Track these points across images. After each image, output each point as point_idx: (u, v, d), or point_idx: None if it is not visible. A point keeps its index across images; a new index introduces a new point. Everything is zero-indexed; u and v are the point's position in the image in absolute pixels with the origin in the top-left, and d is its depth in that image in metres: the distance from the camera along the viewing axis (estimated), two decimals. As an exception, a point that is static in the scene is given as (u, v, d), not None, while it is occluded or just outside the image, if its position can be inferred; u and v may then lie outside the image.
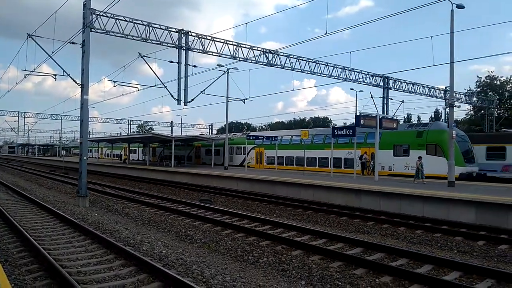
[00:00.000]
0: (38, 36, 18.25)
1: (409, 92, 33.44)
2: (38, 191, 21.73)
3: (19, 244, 9.20)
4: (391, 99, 32.90)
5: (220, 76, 29.84)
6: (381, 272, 7.50)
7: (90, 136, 66.95)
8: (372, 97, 32.99)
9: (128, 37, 19.53)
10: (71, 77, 18.20)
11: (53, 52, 18.60)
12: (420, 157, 21.28)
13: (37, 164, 59.41)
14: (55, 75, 20.69)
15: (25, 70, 21.03)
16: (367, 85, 30.88)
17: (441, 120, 62.21)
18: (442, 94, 35.92)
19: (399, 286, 6.96)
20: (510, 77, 51.25)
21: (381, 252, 8.97)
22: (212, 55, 22.67)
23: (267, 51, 24.47)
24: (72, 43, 17.82)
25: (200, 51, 22.10)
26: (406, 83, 33.01)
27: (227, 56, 23.18)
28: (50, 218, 12.94)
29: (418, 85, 33.67)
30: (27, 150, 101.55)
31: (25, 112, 59.38)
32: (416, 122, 61.43)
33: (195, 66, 22.39)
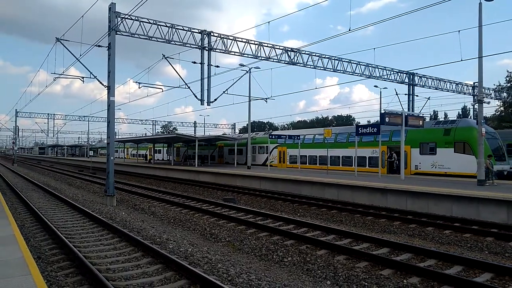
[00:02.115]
0: (66, 40, 18.77)
1: (436, 89, 32.56)
2: (67, 190, 22.41)
3: (51, 241, 9.53)
4: (417, 96, 32.14)
5: (242, 76, 29.93)
6: (409, 273, 7.36)
7: (117, 137, 68.49)
8: (397, 94, 32.37)
9: (152, 39, 19.85)
10: (98, 79, 18.67)
11: (80, 55, 19.12)
12: (490, 156, 19.70)
13: (66, 164, 61.28)
14: (83, 77, 21.17)
15: (54, 73, 21.67)
16: (392, 82, 30.26)
17: (469, 117, 60.40)
18: (470, 90, 34.81)
19: (427, 287, 6.81)
20: (543, 72, 49.20)
21: (408, 253, 8.80)
22: (234, 55, 22.77)
23: (289, 49, 24.37)
24: (99, 46, 18.25)
25: (223, 51, 22.22)
26: (432, 79, 32.17)
27: (249, 56, 23.21)
28: (79, 217, 13.33)
29: (445, 81, 32.74)
30: (57, 151, 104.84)
31: (54, 114, 61.37)
32: (443, 119, 59.87)
33: (217, 66, 22.55)
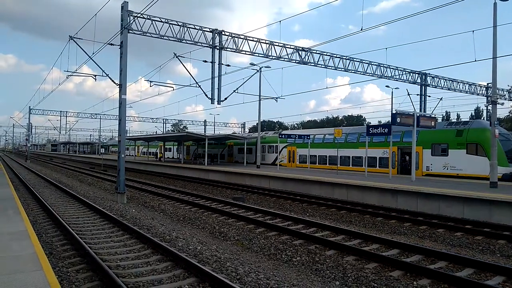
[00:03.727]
0: (79, 38, 18.97)
1: (448, 89, 32.14)
2: (79, 187, 22.68)
3: (62, 237, 9.66)
4: (429, 96, 31.77)
5: (253, 75, 29.95)
6: (419, 274, 7.29)
7: (128, 135, 69.10)
8: (408, 94, 32.02)
9: (164, 37, 19.95)
10: (110, 78, 18.83)
11: (93, 54, 19.31)
12: None
13: (77, 161, 62.02)
14: (95, 75, 21.39)
15: (67, 71, 21.93)
16: (404, 82, 29.96)
17: (482, 118, 59.55)
18: (483, 91, 34.28)
19: (438, 289, 6.74)
20: (559, 72, 48.20)
21: (418, 254, 8.71)
22: (245, 54, 22.77)
23: (300, 49, 24.29)
24: (111, 44, 18.40)
25: (233, 50, 22.25)
26: (445, 79, 31.75)
27: (260, 55, 23.20)
28: (90, 213, 13.48)
29: (458, 82, 32.30)
30: (69, 148, 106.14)
31: (66, 112, 62.06)
32: (455, 120, 59.15)
33: (228, 65, 22.56)
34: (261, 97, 33.25)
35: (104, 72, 19.25)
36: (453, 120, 54.50)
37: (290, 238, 10.22)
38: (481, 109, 65.41)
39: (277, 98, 33.04)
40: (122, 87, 17.27)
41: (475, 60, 19.43)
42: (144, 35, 19.24)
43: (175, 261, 7.65)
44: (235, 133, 65.54)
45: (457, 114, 71.76)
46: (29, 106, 56.26)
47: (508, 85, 50.48)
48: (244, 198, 18.38)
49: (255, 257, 8.68)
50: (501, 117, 47.64)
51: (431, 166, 24.91)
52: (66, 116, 61.89)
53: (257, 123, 36.12)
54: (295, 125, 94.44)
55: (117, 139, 19.51)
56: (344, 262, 8.08)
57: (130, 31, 18.01)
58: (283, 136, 35.07)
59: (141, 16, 18.48)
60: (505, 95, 36.68)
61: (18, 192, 17.18)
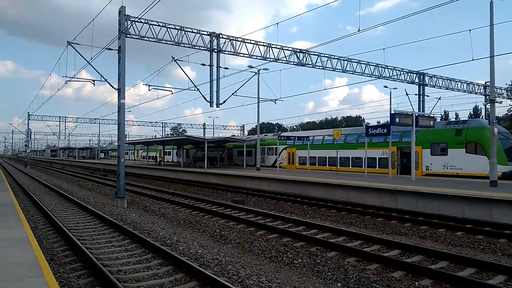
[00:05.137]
0: (77, 44, 19.01)
1: (446, 89, 32.22)
2: (79, 192, 22.66)
3: (63, 243, 9.64)
4: (427, 96, 31.88)
5: (251, 78, 30.00)
6: (421, 275, 7.29)
7: (127, 139, 69.10)
8: (407, 94, 32.08)
9: (162, 41, 19.99)
10: (108, 82, 18.86)
11: (91, 59, 19.33)
12: None
13: (77, 166, 61.96)
14: (94, 80, 21.39)
15: (66, 77, 21.94)
16: (402, 82, 30.04)
17: (481, 117, 59.66)
18: (482, 90, 34.36)
19: (440, 289, 6.73)
20: (557, 70, 48.38)
21: (420, 255, 8.71)
22: (243, 56, 22.82)
23: (298, 50, 24.35)
24: (109, 49, 18.43)
25: (231, 53, 22.29)
26: (443, 79, 31.84)
27: (258, 57, 23.24)
28: (91, 219, 13.46)
29: (456, 81, 32.38)
30: (68, 154, 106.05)
31: (65, 117, 62.10)
32: (454, 119, 59.25)
33: (226, 68, 22.59)
34: (260, 99, 33.30)
35: (103, 77, 19.27)
36: (451, 120, 54.59)
37: (291, 240, 10.21)
38: (479, 108, 65.58)
39: (275, 100, 33.12)
40: (120, 91, 17.28)
41: (473, 59, 19.48)
42: (142, 39, 19.28)
43: (177, 265, 7.64)
44: (234, 135, 65.59)
45: (456, 113, 71.83)
46: (28, 112, 56.27)
47: (506, 84, 50.67)
48: (245, 201, 18.37)
49: (256, 260, 8.67)
50: (499, 115, 47.72)
51: (430, 165, 24.93)
52: (65, 122, 62.00)
53: (256, 126, 36.16)
54: (294, 127, 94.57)
55: (116, 143, 19.49)
56: (346, 263, 8.07)
57: (127, 35, 18.04)
58: (282, 138, 35.09)
59: (139, 20, 18.52)
60: (503, 93, 36.78)
61: (18, 198, 17.16)
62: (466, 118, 48.76)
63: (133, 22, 18.33)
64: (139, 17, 18.03)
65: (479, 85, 34.35)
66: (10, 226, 7.91)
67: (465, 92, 33.28)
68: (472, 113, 69.76)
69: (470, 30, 20.22)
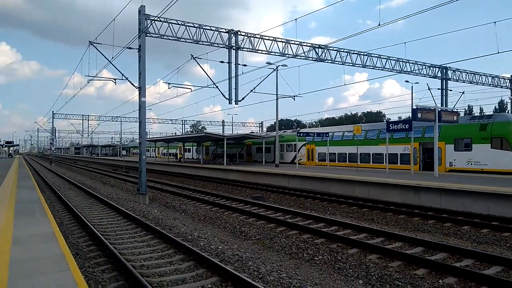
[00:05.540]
0: (98, 43, 19.37)
1: (470, 83, 31.41)
2: (102, 189, 23.16)
3: (88, 238, 9.88)
4: (450, 90, 31.14)
5: (269, 74, 29.90)
6: (445, 272, 7.15)
7: (148, 137, 70.11)
8: (429, 89, 31.49)
9: (181, 39, 20.16)
10: (129, 81, 19.15)
11: (112, 58, 19.69)
12: None
13: (100, 163, 63.30)
14: (115, 79, 21.82)
15: (88, 76, 22.46)
16: (424, 76, 29.46)
17: (506, 111, 57.89)
18: (507, 83, 33.37)
19: (464, 288, 6.59)
20: None
21: (443, 252, 8.54)
22: (262, 53, 22.82)
23: (317, 46, 24.15)
24: (129, 48, 18.72)
25: (250, 50, 22.30)
26: (467, 73, 31.05)
27: (276, 54, 23.18)
28: (114, 214, 13.74)
29: (480, 75, 31.52)
30: (91, 151, 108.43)
31: (88, 115, 63.55)
32: (478, 114, 57.65)
33: (245, 65, 22.62)
34: (278, 96, 33.19)
35: (124, 76, 19.59)
36: (476, 114, 53.09)
37: (311, 237, 10.18)
38: (505, 102, 63.54)
39: (294, 96, 32.97)
40: (141, 90, 17.53)
41: (498, 52, 18.93)
42: (161, 38, 19.49)
43: (198, 260, 7.73)
44: (253, 132, 65.65)
45: (480, 107, 69.79)
46: (53, 111, 57.79)
47: (534, 77, 48.86)
48: (264, 197, 18.40)
49: (276, 256, 8.68)
50: (527, 109, 46.06)
51: (454, 161, 24.37)
52: (88, 120, 63.41)
53: (274, 122, 36.10)
54: (313, 123, 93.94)
55: (137, 141, 19.82)
56: (367, 260, 7.99)
57: (147, 34, 18.26)
58: (301, 135, 34.91)
59: (158, 19, 18.72)
60: (530, 86, 35.56)
61: (44, 194, 17.66)
62: (491, 113, 47.42)
63: (153, 21, 18.54)
64: (159, 16, 18.23)
65: (504, 79, 33.34)
66: (37, 222, 8.15)
67: (490, 85, 32.38)
68: (497, 107, 67.74)
69: (495, 22, 19.62)
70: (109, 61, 19.45)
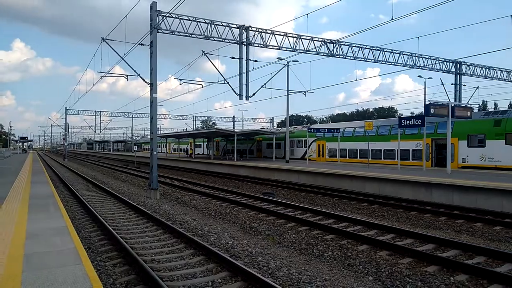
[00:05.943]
0: (111, 40, 19.51)
1: (485, 78, 30.84)
2: (114, 184, 23.43)
3: (99, 233, 10.03)
4: (464, 85, 30.63)
5: (280, 70, 29.82)
6: (456, 270, 7.08)
7: (159, 132, 70.55)
8: (442, 84, 31.01)
9: (192, 35, 20.20)
10: (141, 77, 19.27)
11: (124, 54, 19.81)
12: None
13: (112, 159, 64.01)
14: (127, 75, 21.93)
15: (101, 72, 22.65)
16: (437, 71, 29.04)
17: (522, 106, 56.76)
18: (524, 78, 32.65)
19: (476, 285, 6.52)
20: None
21: (455, 249, 8.46)
22: (273, 48, 22.73)
23: (328, 41, 23.96)
24: (141, 44, 18.82)
25: (261, 45, 22.24)
26: (481, 67, 30.50)
27: (287, 49, 23.07)
28: (125, 209, 13.91)
29: (495, 70, 30.93)
30: (103, 147, 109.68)
31: (100, 111, 64.12)
32: (493, 109, 56.67)
33: (255, 61, 22.61)
34: (289, 91, 33.07)
35: (136, 72, 19.73)
36: (490, 110, 52.19)
37: (321, 233, 10.17)
38: (521, 97, 62.33)
39: (305, 92, 32.79)
40: (153, 86, 17.64)
41: (514, 46, 18.49)
42: (173, 34, 19.55)
43: (208, 255, 7.79)
44: (263, 128, 65.59)
45: (495, 103, 68.84)
46: (66, 107, 58.46)
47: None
48: (274, 193, 18.41)
49: (286, 252, 8.70)
50: (543, 105, 45.13)
51: (467, 158, 24.04)
52: (100, 116, 63.94)
53: (285, 118, 35.97)
54: (324, 119, 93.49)
55: (149, 136, 20.02)
56: (377, 257, 7.96)
57: (159, 30, 18.34)
58: (312, 130, 34.78)
59: (170, 15, 18.78)
60: (547, 81, 34.76)
61: (58, 189, 17.94)
62: (506, 108, 46.55)
63: (164, 17, 18.60)
64: (170, 12, 18.28)
65: (520, 73, 32.63)
66: (51, 216, 8.29)
67: (505, 80, 31.76)
68: (512, 102, 66.48)
69: (511, 16, 19.19)
70: (121, 57, 19.60)
